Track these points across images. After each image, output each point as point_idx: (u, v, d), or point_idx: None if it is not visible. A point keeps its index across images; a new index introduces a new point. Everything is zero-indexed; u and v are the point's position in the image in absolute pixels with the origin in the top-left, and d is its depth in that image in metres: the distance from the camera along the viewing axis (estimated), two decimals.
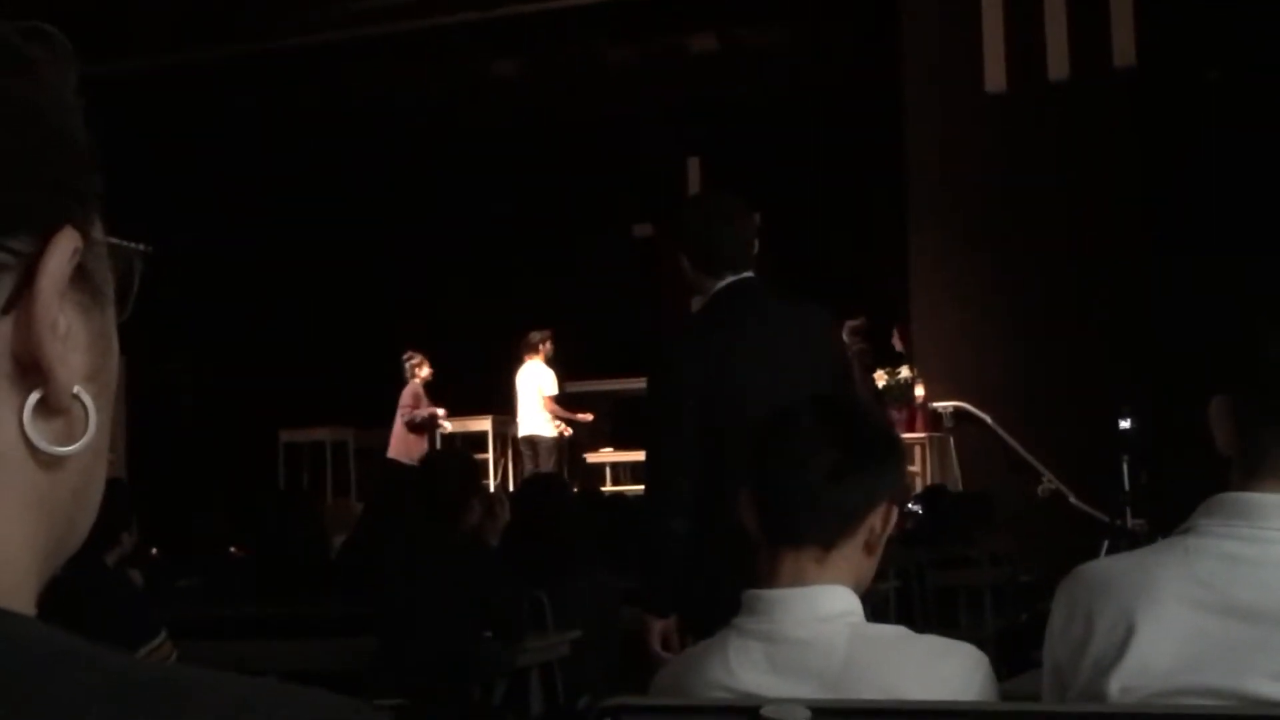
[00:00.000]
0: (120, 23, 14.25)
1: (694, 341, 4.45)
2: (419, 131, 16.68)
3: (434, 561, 5.07)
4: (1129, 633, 1.98)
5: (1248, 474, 2.00)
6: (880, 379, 13.19)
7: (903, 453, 2.41)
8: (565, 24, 14.62)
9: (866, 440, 2.32)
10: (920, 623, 8.76)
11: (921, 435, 13.01)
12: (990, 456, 12.85)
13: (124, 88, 14.33)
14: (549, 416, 14.64)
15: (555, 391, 14.73)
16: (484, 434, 15.60)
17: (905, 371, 13.15)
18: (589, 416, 14.93)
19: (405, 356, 14.86)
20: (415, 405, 14.72)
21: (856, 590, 2.32)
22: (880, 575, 8.49)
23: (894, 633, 2.29)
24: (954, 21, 12.84)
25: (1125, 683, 1.97)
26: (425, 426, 14.78)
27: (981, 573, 9.75)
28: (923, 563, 9.27)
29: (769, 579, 2.30)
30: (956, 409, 12.95)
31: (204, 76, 15.41)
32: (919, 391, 13.11)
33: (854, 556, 2.31)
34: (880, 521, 2.32)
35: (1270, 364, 1.97)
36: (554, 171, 16.64)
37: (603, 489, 12.18)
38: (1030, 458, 12.53)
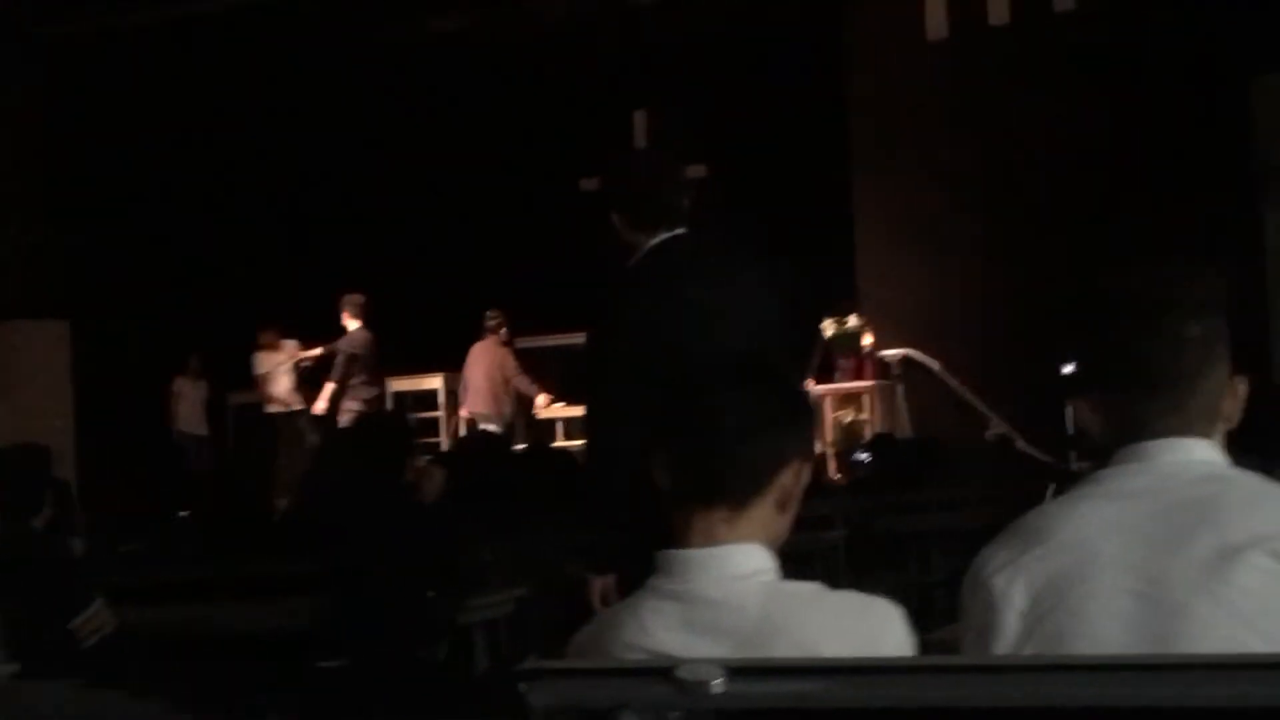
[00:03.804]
0: None
1: (631, 298, 4.44)
2: (360, 90, 16.58)
3: (373, 520, 5.07)
4: None
5: None
6: (828, 328, 13.19)
7: (814, 411, 2.42)
8: None
9: (776, 398, 2.33)
10: (869, 570, 8.82)
11: (870, 383, 13.04)
12: (939, 403, 12.90)
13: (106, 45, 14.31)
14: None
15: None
16: (434, 392, 15.62)
17: (853, 320, 13.16)
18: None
19: (491, 315, 14.80)
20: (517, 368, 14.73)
21: (770, 548, 2.32)
22: (829, 524, 8.46)
23: (808, 590, 2.30)
24: None
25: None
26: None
27: (930, 518, 9.81)
28: (871, 510, 9.32)
29: (682, 539, 2.30)
30: (905, 356, 12.98)
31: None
32: (867, 340, 13.13)
33: (766, 515, 2.32)
34: (792, 479, 2.33)
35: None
36: (499, 126, 16.57)
37: (552, 444, 12.18)
38: (978, 403, 12.58)
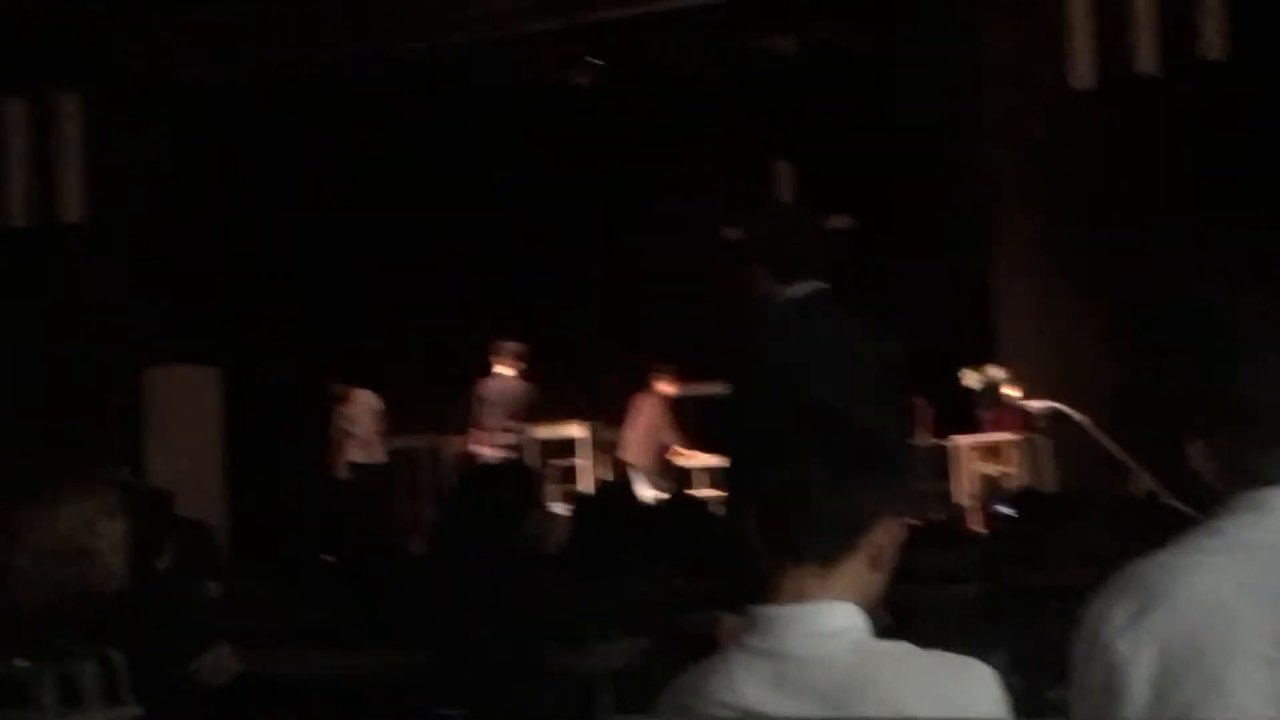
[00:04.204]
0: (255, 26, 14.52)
1: (769, 348, 4.49)
2: (506, 140, 16.76)
3: (494, 569, 5.10)
4: None
5: None
6: (969, 379, 13.06)
7: (906, 468, 2.39)
8: (644, 29, 14.61)
9: (866, 455, 2.30)
10: (1006, 625, 8.67)
11: (1013, 435, 12.87)
12: (1085, 456, 12.66)
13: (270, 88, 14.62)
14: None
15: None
16: (573, 440, 15.68)
17: (995, 371, 13.00)
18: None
19: (653, 366, 14.92)
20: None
21: (863, 606, 2.30)
22: (965, 577, 8.29)
23: (898, 649, 2.27)
24: (1037, 15, 12.67)
25: None
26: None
27: (1073, 573, 9.60)
28: (1010, 564, 9.15)
29: (773, 594, 2.29)
30: (1049, 408, 12.78)
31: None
32: (1010, 391, 12.96)
33: (858, 572, 2.30)
34: (885, 536, 2.31)
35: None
36: (641, 174, 16.65)
37: (689, 492, 12.16)
38: (1125, 457, 12.34)
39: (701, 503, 8.07)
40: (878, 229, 15.77)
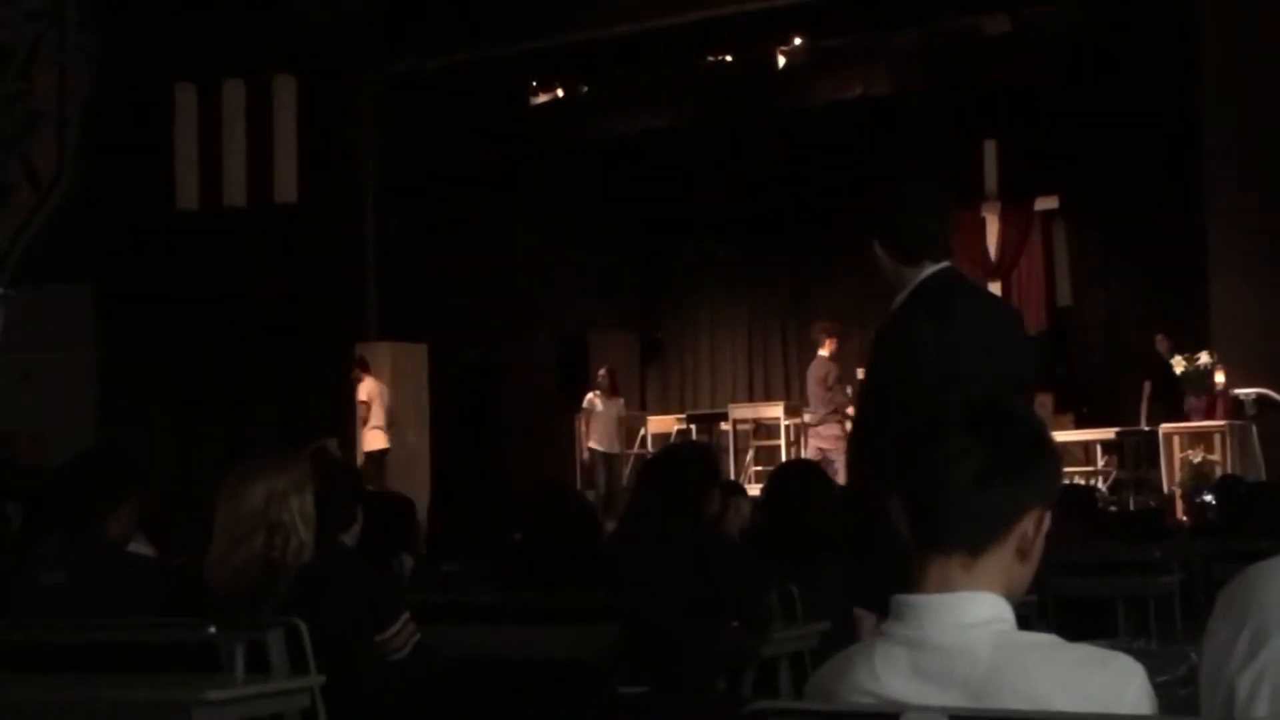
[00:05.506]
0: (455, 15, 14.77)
1: (912, 329, 4.41)
2: (708, 120, 16.79)
3: (675, 551, 5.15)
4: None
5: None
6: (1179, 365, 12.80)
7: (1056, 456, 2.35)
8: (852, 9, 14.52)
9: (1015, 444, 2.27)
10: (1205, 618, 8.48)
11: (1222, 423, 12.59)
12: None
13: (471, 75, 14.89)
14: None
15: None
16: (776, 420, 15.68)
17: (1205, 357, 12.72)
18: None
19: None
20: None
21: (1010, 597, 2.28)
22: (1164, 568, 8.12)
23: (1042, 641, 2.25)
24: None
25: None
26: None
27: None
28: (1209, 556, 8.93)
29: (918, 584, 2.28)
30: (1260, 396, 12.46)
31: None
32: (1219, 378, 12.67)
33: (1004, 562, 2.27)
34: (1033, 527, 2.28)
35: None
36: (846, 156, 16.57)
37: None
38: None
39: None
40: (1085, 211, 15.50)
